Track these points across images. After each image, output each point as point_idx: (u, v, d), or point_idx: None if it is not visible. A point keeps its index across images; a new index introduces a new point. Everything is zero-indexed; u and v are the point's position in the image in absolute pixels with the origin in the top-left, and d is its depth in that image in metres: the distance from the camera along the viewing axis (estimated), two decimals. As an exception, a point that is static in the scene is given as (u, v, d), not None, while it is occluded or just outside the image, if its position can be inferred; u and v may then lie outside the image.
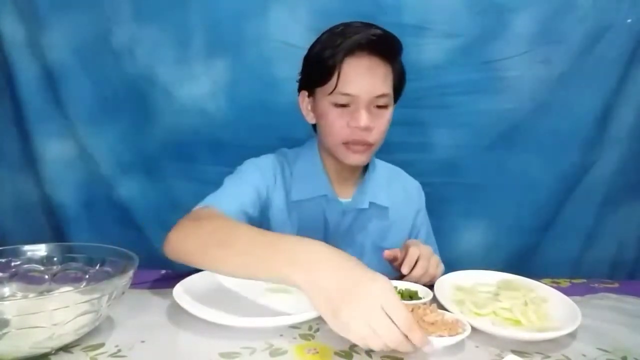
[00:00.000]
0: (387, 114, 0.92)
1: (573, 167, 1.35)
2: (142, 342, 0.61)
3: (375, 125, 0.90)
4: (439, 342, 0.59)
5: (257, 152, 1.05)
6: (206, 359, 0.57)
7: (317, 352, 0.60)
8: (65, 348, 0.58)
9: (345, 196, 1.01)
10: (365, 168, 1.04)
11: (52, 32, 1.29)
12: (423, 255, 0.85)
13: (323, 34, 0.92)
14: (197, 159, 1.38)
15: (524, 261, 1.40)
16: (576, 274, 1.14)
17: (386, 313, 0.55)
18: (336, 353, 0.60)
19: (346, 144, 0.92)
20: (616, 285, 0.96)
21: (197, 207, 0.88)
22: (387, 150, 1.07)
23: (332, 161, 0.99)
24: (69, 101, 1.34)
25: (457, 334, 0.61)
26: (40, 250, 0.73)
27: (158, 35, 1.31)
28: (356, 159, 0.94)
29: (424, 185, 1.12)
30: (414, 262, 0.84)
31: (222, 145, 1.35)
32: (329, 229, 1.00)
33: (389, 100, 0.92)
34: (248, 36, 1.30)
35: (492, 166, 1.36)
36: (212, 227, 0.77)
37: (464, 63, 1.30)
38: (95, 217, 1.40)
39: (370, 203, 1.00)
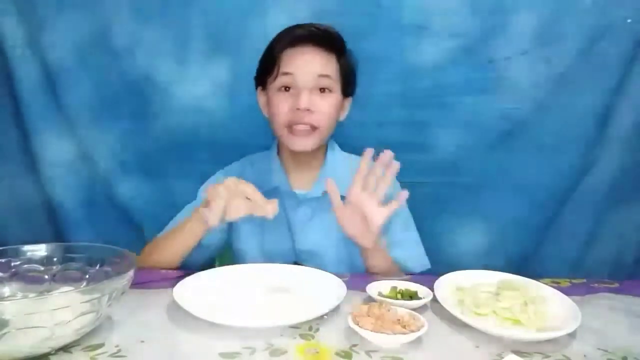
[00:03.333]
0: (331, 98, 0.97)
1: (573, 168, 1.35)
2: (142, 342, 0.61)
3: (317, 108, 0.95)
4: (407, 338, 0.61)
5: (256, 152, 1.05)
6: (206, 359, 0.57)
7: (317, 352, 0.60)
8: (65, 348, 0.58)
9: (306, 188, 1.05)
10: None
11: (52, 32, 1.29)
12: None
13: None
14: (197, 159, 1.38)
15: (524, 261, 1.39)
16: (576, 274, 1.14)
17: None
18: (336, 353, 0.60)
19: (289, 127, 0.96)
20: (616, 285, 0.96)
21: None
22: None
23: (290, 154, 1.03)
24: (69, 101, 1.33)
25: (419, 328, 0.62)
26: (40, 250, 0.73)
27: (158, 35, 1.30)
28: (301, 144, 0.98)
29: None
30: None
31: (222, 145, 1.35)
32: (291, 221, 1.04)
33: (333, 84, 0.97)
34: (248, 36, 1.30)
35: (492, 166, 1.35)
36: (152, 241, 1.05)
37: (464, 63, 1.30)
38: (95, 217, 1.40)
39: (325, 192, 0.97)
